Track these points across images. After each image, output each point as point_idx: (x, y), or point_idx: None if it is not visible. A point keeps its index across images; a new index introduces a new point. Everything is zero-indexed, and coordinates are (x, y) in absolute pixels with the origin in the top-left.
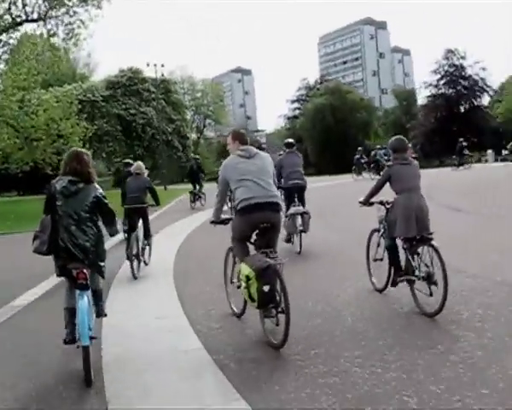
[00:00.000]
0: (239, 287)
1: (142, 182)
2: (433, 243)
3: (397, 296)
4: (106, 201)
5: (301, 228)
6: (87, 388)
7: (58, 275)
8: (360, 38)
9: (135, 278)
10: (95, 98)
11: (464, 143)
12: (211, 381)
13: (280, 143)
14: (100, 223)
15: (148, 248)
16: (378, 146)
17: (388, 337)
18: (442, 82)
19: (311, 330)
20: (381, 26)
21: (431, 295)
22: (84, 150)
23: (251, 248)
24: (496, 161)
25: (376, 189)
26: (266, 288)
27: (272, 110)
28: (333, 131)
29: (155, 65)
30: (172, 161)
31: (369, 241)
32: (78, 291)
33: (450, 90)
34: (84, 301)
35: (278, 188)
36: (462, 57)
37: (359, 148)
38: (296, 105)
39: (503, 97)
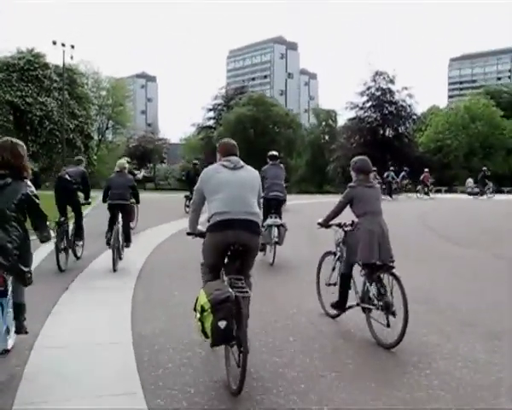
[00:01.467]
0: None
1: (126, 180)
2: (393, 271)
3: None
4: (37, 201)
5: (276, 240)
6: None
7: None
8: (271, 57)
9: (114, 270)
10: None
11: (487, 173)
12: None
13: (184, 154)
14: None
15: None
16: (391, 168)
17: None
18: (368, 104)
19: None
20: (292, 46)
21: (388, 326)
22: (19, 142)
23: None
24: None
25: (337, 211)
26: (222, 324)
27: (175, 120)
28: (254, 145)
29: (64, 44)
30: (72, 162)
31: (320, 264)
32: None
33: (377, 114)
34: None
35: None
36: (391, 81)
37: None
38: (211, 114)
39: (425, 126)
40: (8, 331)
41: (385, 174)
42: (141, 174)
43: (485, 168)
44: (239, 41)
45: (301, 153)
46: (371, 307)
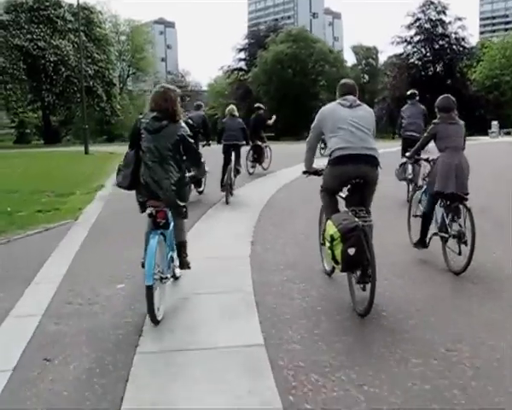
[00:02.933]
0: (323, 244)
1: (239, 123)
2: (465, 202)
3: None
4: (191, 140)
5: (410, 177)
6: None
7: (141, 212)
8: None
9: (227, 202)
10: None
11: None
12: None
13: (209, 100)
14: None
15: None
16: None
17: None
18: (417, 38)
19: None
20: None
21: (460, 253)
22: (171, 87)
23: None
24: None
25: (422, 145)
26: (351, 251)
27: (196, 67)
28: (293, 86)
29: None
30: (93, 113)
31: (411, 197)
32: (154, 230)
33: (427, 49)
34: (155, 241)
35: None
36: (443, 11)
37: None
38: (242, 55)
39: (476, 62)
40: (172, 260)
41: None
42: (272, 120)
43: None
44: None
45: None
46: (446, 235)
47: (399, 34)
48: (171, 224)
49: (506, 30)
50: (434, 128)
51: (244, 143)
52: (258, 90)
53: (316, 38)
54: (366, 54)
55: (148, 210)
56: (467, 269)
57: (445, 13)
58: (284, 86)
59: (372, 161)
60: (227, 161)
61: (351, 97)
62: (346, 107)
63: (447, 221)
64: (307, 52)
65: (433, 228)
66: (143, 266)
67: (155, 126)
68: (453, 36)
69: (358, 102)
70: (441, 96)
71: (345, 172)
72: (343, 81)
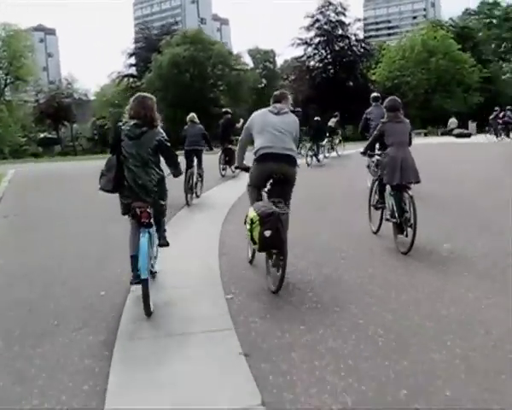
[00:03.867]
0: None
1: (199, 129)
2: (408, 191)
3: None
4: (168, 144)
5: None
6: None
7: (123, 213)
8: (181, 1)
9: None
10: None
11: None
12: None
13: (96, 110)
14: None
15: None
16: (508, 107)
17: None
18: (317, 40)
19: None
20: None
21: (406, 235)
22: (148, 95)
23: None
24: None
25: (373, 142)
26: (267, 233)
27: (80, 76)
28: (191, 91)
29: None
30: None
31: (370, 190)
32: (141, 229)
33: (327, 51)
34: (146, 238)
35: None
36: (342, 13)
37: (496, 108)
38: (133, 61)
39: (375, 64)
40: (155, 258)
41: (501, 114)
42: (240, 123)
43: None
44: None
45: (247, 99)
46: (395, 220)
47: (299, 36)
48: (153, 225)
49: (389, 35)
50: (382, 126)
51: (205, 147)
52: (155, 96)
53: (213, 40)
54: (263, 57)
55: (134, 211)
56: (411, 248)
57: (344, 14)
58: (182, 92)
59: (290, 161)
60: (189, 166)
61: (279, 105)
62: (274, 113)
63: (395, 208)
64: (205, 55)
65: (385, 215)
66: (131, 283)
67: (136, 133)
68: (353, 37)
69: (286, 109)
70: (388, 98)
71: (267, 169)
72: (275, 92)
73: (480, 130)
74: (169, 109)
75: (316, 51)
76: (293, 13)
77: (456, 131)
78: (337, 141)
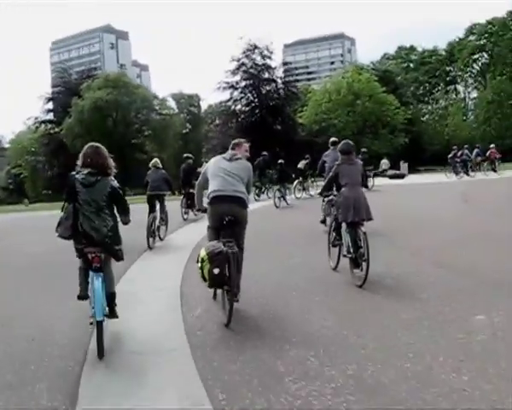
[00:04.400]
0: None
1: (161, 174)
2: (362, 227)
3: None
4: (120, 192)
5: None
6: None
7: (78, 257)
8: (100, 47)
9: (150, 248)
10: None
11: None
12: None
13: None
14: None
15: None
16: (466, 146)
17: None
18: (243, 84)
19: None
20: (123, 36)
21: (361, 269)
22: (101, 145)
23: None
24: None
25: (328, 183)
26: (216, 271)
27: None
28: (115, 137)
29: None
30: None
31: (329, 228)
32: (93, 273)
33: (254, 94)
34: (99, 281)
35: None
36: (269, 56)
37: (454, 147)
38: (51, 106)
39: (301, 107)
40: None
41: (459, 152)
42: (202, 168)
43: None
44: (62, 31)
45: (174, 144)
46: (350, 255)
47: (225, 80)
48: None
49: (308, 80)
50: (337, 168)
51: (168, 192)
52: (74, 143)
53: (137, 84)
54: (188, 102)
55: (89, 256)
56: (365, 281)
57: (270, 57)
58: (105, 138)
59: (240, 202)
60: (151, 210)
61: (231, 152)
62: (227, 160)
63: (351, 244)
64: (129, 98)
65: (343, 251)
66: (80, 298)
67: (91, 181)
68: (279, 81)
69: (239, 155)
70: (342, 142)
71: (219, 210)
72: (234, 140)
73: (413, 170)
74: None
75: (242, 95)
76: (216, 57)
77: (390, 172)
78: (309, 182)
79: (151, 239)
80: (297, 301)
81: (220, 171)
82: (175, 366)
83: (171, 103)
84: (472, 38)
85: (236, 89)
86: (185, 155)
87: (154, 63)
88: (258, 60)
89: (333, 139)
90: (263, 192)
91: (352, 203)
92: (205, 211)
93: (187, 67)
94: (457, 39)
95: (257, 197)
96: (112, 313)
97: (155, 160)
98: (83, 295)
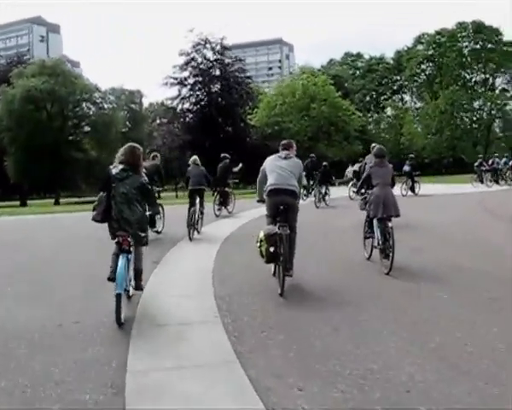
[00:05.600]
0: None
1: (201, 170)
2: (389, 223)
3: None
4: (149, 187)
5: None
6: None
7: (112, 238)
8: (29, 39)
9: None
10: None
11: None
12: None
13: None
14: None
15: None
16: (496, 154)
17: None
18: (193, 81)
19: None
20: (54, 29)
21: (387, 258)
22: (137, 145)
23: None
24: None
25: (363, 182)
26: (272, 249)
27: None
28: (50, 134)
29: None
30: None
31: (364, 223)
32: (120, 253)
33: (203, 92)
34: (124, 261)
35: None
36: (221, 52)
37: (480, 155)
38: None
39: (253, 109)
40: (130, 281)
41: (490, 161)
42: (238, 167)
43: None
44: None
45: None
46: (380, 247)
47: (172, 75)
48: (133, 251)
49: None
50: (370, 170)
51: (207, 187)
52: (2, 137)
53: (77, 74)
54: (129, 98)
55: (117, 239)
56: (391, 269)
57: (223, 54)
58: (38, 132)
59: (292, 194)
60: (192, 204)
61: (285, 152)
62: (282, 158)
63: (381, 237)
64: (68, 89)
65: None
66: (109, 279)
67: (123, 176)
68: (232, 79)
69: (291, 155)
70: (376, 147)
71: (275, 201)
72: (283, 141)
73: None
74: (22, 153)
75: (191, 92)
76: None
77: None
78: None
79: (191, 231)
80: (336, 285)
81: (276, 168)
82: (207, 334)
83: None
84: (420, 47)
85: (185, 85)
86: (222, 154)
87: (87, 59)
88: (210, 55)
89: (373, 145)
90: (310, 193)
91: (381, 201)
92: (263, 202)
93: (124, 64)
94: (406, 48)
95: (305, 198)
96: (138, 287)
97: (195, 157)
98: (112, 277)
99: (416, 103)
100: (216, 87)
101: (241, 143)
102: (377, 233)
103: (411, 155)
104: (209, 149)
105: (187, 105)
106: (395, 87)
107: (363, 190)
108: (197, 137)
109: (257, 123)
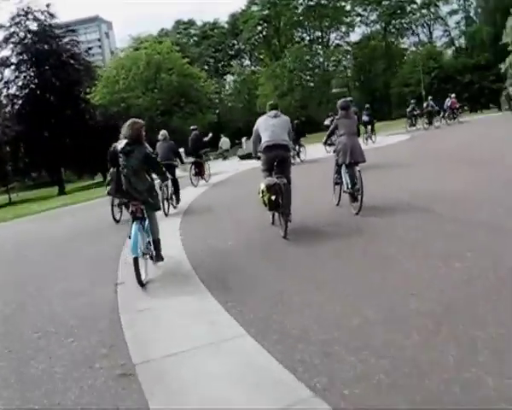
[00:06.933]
0: (258, 193)
1: (170, 145)
2: (357, 167)
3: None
4: (153, 156)
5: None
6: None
7: (126, 209)
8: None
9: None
10: None
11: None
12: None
13: None
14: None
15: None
16: (430, 97)
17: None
18: (17, 60)
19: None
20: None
21: (356, 200)
22: (136, 119)
23: None
24: None
25: (330, 133)
26: (273, 197)
27: None
28: None
29: None
30: None
31: (334, 171)
32: (134, 220)
33: (32, 72)
34: (137, 227)
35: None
36: (48, 24)
37: (412, 101)
38: None
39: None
40: (149, 243)
41: (424, 104)
42: (208, 137)
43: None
44: None
45: None
46: (350, 191)
47: None
48: (147, 219)
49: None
50: (336, 121)
51: (177, 162)
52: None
53: None
54: None
55: (131, 208)
56: (361, 209)
57: (51, 25)
58: None
59: (285, 148)
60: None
61: (274, 112)
62: (272, 117)
63: (350, 182)
64: None
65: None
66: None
67: (128, 149)
68: (65, 54)
69: (279, 113)
70: (341, 100)
71: (270, 155)
72: (269, 102)
73: None
74: None
75: (17, 74)
76: None
77: (240, 151)
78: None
79: (166, 205)
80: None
81: (269, 126)
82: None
83: None
84: (255, 8)
85: (8, 66)
86: (192, 126)
87: None
88: (35, 27)
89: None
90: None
91: (349, 148)
92: (258, 158)
93: None
94: (240, 10)
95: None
96: (158, 257)
97: (164, 131)
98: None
99: (255, 66)
100: (47, 65)
101: (83, 127)
102: (346, 178)
103: (367, 106)
104: (50, 137)
105: (13, 90)
106: (232, 52)
107: (329, 142)
108: (31, 126)
109: (99, 102)
